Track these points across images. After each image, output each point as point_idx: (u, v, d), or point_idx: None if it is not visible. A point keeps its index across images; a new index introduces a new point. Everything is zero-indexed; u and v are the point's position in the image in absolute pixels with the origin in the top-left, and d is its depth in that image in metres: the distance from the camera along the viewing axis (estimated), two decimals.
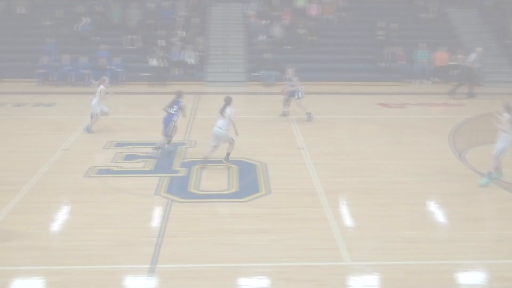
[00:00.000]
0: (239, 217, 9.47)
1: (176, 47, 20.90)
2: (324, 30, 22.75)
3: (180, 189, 10.66)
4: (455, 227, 9.37)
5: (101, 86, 14.09)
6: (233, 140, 11.69)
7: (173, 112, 12.36)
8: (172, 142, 12.72)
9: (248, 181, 11.10)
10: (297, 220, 9.40)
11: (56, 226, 9.21)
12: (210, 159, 11.76)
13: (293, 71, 15.38)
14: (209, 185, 10.84)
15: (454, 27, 23.42)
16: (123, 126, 15.06)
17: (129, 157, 12.39)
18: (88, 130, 14.16)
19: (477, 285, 7.73)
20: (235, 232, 8.88)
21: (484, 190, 10.84)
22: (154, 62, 20.25)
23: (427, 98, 18.97)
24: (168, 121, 12.31)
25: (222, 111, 11.53)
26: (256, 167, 11.81)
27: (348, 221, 9.56)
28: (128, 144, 13.30)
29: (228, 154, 11.74)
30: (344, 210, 10.01)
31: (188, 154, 12.67)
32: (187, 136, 14.05)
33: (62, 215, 9.69)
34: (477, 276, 7.95)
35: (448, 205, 10.21)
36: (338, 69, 20.90)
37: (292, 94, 15.23)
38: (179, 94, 12.67)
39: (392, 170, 11.79)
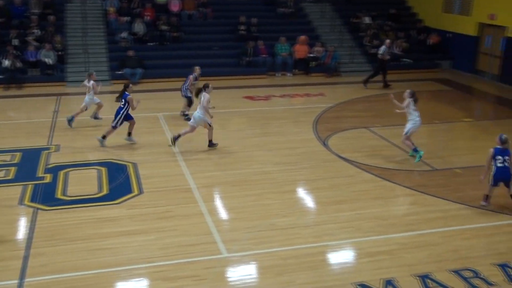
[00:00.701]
0: (112, 220, 9.21)
1: (31, 47, 19.69)
2: (187, 26, 22.75)
3: (46, 196, 10.10)
4: (323, 210, 9.90)
5: (92, 82, 14.34)
6: (210, 125, 12.55)
7: (121, 105, 12.80)
8: (36, 147, 12.16)
9: (119, 182, 10.82)
10: (173, 217, 9.37)
11: None
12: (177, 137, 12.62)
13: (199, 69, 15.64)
14: (78, 190, 10.41)
15: (311, 20, 24.59)
16: None
17: None
18: (96, 117, 14.56)
19: (347, 262, 8.27)
20: (109, 236, 8.64)
21: (348, 173, 11.58)
22: (6, 63, 18.90)
23: (290, 89, 19.77)
24: (116, 114, 12.77)
25: (198, 97, 12.64)
26: (126, 168, 11.55)
27: (222, 214, 9.72)
28: None
29: (210, 140, 12.70)
30: (218, 203, 10.16)
31: (52, 159, 12.04)
32: (50, 140, 13.34)
33: None
34: (346, 255, 8.51)
35: (316, 190, 10.77)
36: (203, 64, 20.88)
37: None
38: (125, 86, 12.99)
39: (261, 161, 12.15)
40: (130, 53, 20.07)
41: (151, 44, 21.62)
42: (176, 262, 7.95)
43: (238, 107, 16.99)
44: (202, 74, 20.00)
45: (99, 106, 14.72)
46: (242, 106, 17.12)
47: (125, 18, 22.02)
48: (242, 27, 22.53)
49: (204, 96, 12.48)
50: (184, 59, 20.96)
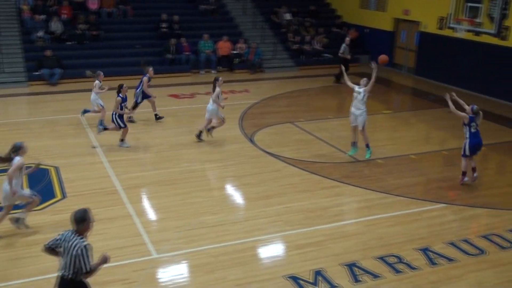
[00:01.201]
0: (37, 227, 8.85)
1: None
2: (106, 24, 22.17)
3: None
4: (252, 206, 9.99)
5: (96, 81, 14.12)
6: (223, 120, 13.24)
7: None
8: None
9: (41, 187, 10.42)
10: (100, 221, 9.07)
11: None
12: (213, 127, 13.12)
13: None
14: None
15: (233, 17, 24.66)
16: None
17: None
18: (102, 126, 13.30)
19: (277, 256, 8.40)
20: (33, 244, 8.29)
21: (275, 168, 11.74)
22: None
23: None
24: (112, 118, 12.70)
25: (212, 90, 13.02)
26: (48, 172, 11.15)
27: (151, 215, 9.60)
28: None
29: (212, 127, 13.17)
30: (146, 204, 10.02)
31: None
32: None
33: None
34: (276, 248, 8.65)
35: (244, 186, 10.85)
36: (125, 63, 20.58)
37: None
38: (118, 88, 12.63)
39: (189, 159, 12.09)
40: (48, 53, 19.31)
41: (70, 43, 20.91)
42: (104, 267, 7.74)
43: (163, 105, 16.73)
44: (125, 73, 19.74)
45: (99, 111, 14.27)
46: (167, 104, 16.92)
47: (41, 17, 21.16)
48: (164, 25, 22.25)
49: (216, 89, 12.87)
50: (105, 58, 20.46)
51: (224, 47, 21.94)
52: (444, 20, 20.02)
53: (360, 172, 11.68)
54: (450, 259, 8.20)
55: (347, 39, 20.54)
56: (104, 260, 5.91)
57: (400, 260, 8.15)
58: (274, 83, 20.48)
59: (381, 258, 8.17)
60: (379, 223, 9.33)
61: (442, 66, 20.47)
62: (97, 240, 8.40)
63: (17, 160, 8.37)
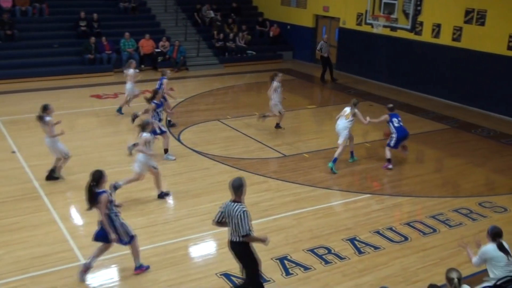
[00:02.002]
0: None
1: None
2: (21, 23, 21.20)
3: None
4: (182, 205, 9.92)
5: (130, 70, 14.91)
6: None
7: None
8: None
9: None
10: (23, 228, 8.78)
11: None
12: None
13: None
14: None
15: (155, 15, 24.29)
16: None
17: None
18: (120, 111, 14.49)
19: (209, 254, 8.40)
20: None
21: (203, 166, 11.71)
22: None
23: (139, 85, 19.30)
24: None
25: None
26: None
27: (77, 220, 9.33)
28: None
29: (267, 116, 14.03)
30: (71, 209, 9.70)
31: None
32: None
33: None
34: (208, 246, 8.64)
35: (173, 186, 10.73)
36: (43, 63, 19.81)
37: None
38: (153, 94, 12.16)
39: (115, 161, 11.81)
40: None
41: None
42: (30, 276, 7.47)
43: (86, 106, 16.30)
44: (44, 74, 19.04)
45: (135, 96, 15.28)
46: (90, 105, 16.47)
47: None
48: (83, 23, 21.58)
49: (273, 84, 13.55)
50: (21, 59, 19.63)
51: (146, 45, 21.58)
52: (362, 17, 20.67)
53: (287, 167, 11.86)
54: (376, 247, 8.51)
55: (326, 37, 20.84)
56: (264, 239, 6.68)
57: (329, 251, 8.36)
58: (199, 81, 20.39)
59: (311, 250, 8.35)
60: (308, 216, 9.53)
61: (361, 60, 21.13)
62: (19, 249, 8.13)
63: None
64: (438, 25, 17.91)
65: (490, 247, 6.70)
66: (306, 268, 7.87)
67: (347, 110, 11.76)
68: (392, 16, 18.75)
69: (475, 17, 16.65)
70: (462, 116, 16.19)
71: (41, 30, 21.42)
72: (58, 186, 10.45)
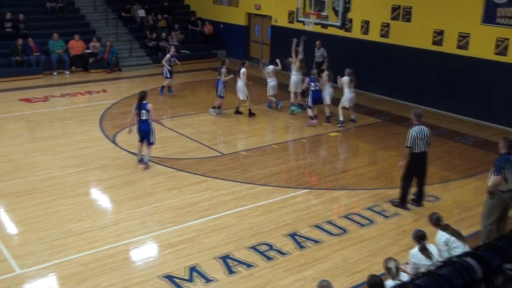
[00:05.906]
0: None
1: None
2: None
3: None
4: (120, 208, 9.74)
5: (243, 69, 15.46)
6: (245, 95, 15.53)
7: (218, 77, 15.43)
8: None
9: None
10: None
11: None
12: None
13: None
14: None
15: (84, 15, 23.66)
16: None
17: None
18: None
19: (150, 256, 8.28)
20: None
21: (140, 168, 11.52)
22: None
23: (70, 88, 18.86)
24: (217, 84, 15.56)
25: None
26: None
27: (10, 228, 8.97)
28: None
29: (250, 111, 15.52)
30: (3, 218, 9.32)
31: None
32: None
33: None
34: (148, 249, 8.53)
35: (110, 189, 10.54)
36: None
37: None
38: (221, 63, 15.68)
39: (48, 166, 11.46)
40: None
41: None
42: None
43: (14, 111, 15.70)
44: None
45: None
46: (19, 109, 15.87)
47: None
48: (8, 24, 20.73)
49: (242, 70, 15.33)
50: None
51: (76, 46, 20.99)
52: (293, 14, 20.95)
53: (226, 165, 11.89)
54: (316, 241, 8.68)
55: (318, 42, 19.34)
56: None
57: (271, 247, 8.45)
58: (132, 81, 20.05)
59: (253, 248, 8.41)
60: (248, 214, 9.60)
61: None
62: None
63: None
64: (367, 22, 18.44)
65: (416, 250, 6.98)
66: (248, 266, 7.92)
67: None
68: (322, 13, 19.09)
69: (401, 13, 17.26)
70: (392, 109, 16.73)
71: None
72: None
